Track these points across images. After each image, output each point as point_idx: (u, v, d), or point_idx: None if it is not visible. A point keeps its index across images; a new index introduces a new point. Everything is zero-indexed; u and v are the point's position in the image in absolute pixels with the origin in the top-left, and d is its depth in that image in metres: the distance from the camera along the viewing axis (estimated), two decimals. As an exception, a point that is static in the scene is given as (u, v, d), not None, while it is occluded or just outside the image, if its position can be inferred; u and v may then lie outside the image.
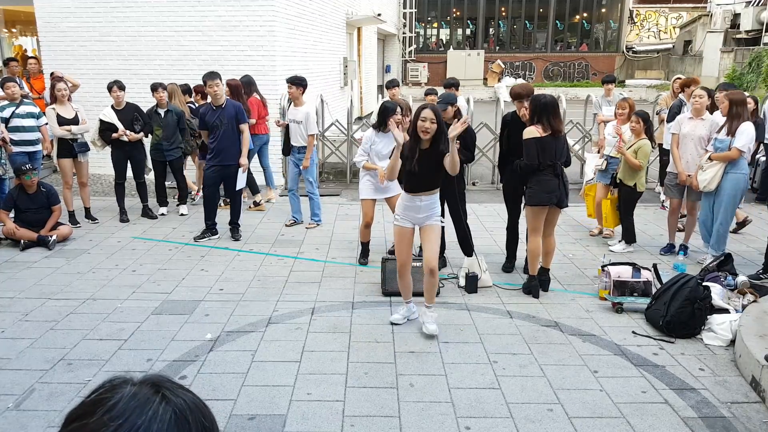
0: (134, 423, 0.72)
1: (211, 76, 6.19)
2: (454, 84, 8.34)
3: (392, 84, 8.56)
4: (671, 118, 7.51)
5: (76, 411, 0.76)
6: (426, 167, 4.11)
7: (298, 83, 6.72)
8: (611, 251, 6.12)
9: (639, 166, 5.96)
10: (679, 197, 6.06)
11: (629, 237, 6.18)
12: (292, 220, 7.15)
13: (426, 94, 8.15)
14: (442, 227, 4.58)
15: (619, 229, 6.67)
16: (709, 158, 5.51)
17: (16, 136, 6.70)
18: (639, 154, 5.95)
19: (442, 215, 5.57)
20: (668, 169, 6.24)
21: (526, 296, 5.04)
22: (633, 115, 6.13)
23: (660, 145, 7.92)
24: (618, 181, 6.14)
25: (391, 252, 5.88)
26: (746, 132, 5.35)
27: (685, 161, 5.89)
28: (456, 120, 5.35)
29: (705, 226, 5.74)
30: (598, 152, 7.50)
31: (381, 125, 5.53)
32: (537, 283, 5.06)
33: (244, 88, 7.49)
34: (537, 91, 5.30)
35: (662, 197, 7.82)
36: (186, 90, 7.95)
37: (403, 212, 4.32)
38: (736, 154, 5.36)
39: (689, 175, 5.78)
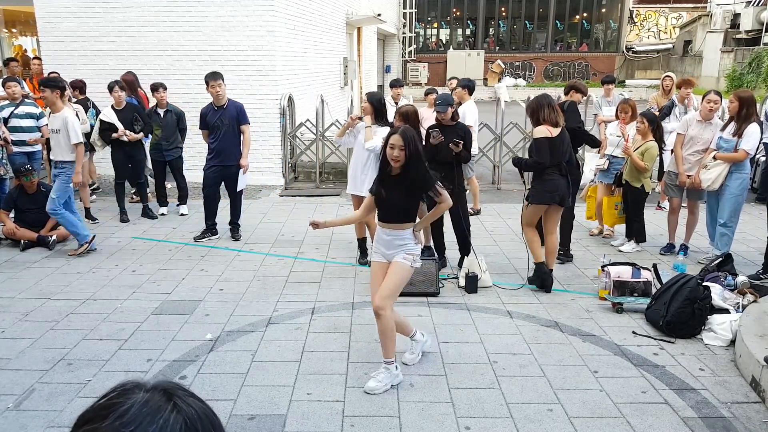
0: (145, 431, 0.72)
1: (214, 76, 6.19)
2: (468, 86, 7.47)
3: (396, 84, 8.59)
4: (662, 117, 7.49)
5: (87, 414, 0.77)
6: (396, 196, 3.55)
7: (52, 85, 5.78)
8: (621, 251, 6.11)
9: (645, 169, 5.93)
10: (680, 196, 6.06)
11: (640, 237, 6.18)
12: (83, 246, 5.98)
13: (426, 94, 8.15)
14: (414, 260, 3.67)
15: (618, 228, 6.68)
16: (714, 157, 5.51)
17: (15, 137, 6.70)
18: (646, 157, 5.91)
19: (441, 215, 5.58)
20: (668, 169, 6.24)
21: (526, 296, 5.04)
22: (639, 116, 6.12)
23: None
24: (624, 182, 6.13)
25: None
26: (754, 134, 5.36)
27: (688, 163, 5.89)
28: (453, 120, 5.40)
29: (712, 225, 5.76)
30: (599, 152, 7.49)
31: (378, 118, 5.45)
32: (547, 270, 5.11)
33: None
34: (537, 92, 5.33)
35: (660, 198, 7.83)
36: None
37: (375, 244, 3.74)
38: (744, 156, 5.36)
39: (689, 176, 5.78)
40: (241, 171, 6.37)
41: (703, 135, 5.81)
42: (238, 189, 6.50)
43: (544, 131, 4.93)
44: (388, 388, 3.55)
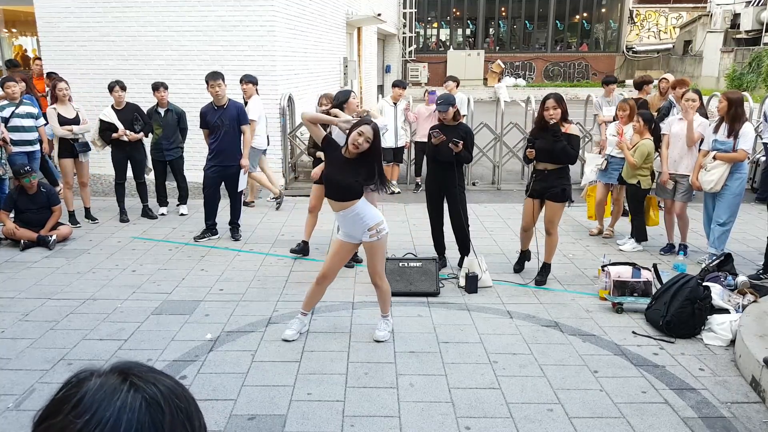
0: (102, 416, 0.67)
1: (214, 76, 6.19)
2: (252, 80, 7.92)
3: (396, 84, 8.67)
4: (660, 119, 7.50)
5: (44, 411, 0.72)
6: (344, 176, 3.91)
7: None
8: (621, 250, 6.12)
9: (633, 164, 5.99)
10: (671, 197, 6.07)
11: (640, 235, 6.18)
12: None
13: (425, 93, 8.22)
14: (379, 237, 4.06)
15: (618, 227, 6.69)
16: (714, 157, 5.50)
17: (15, 136, 6.70)
18: (636, 153, 5.98)
19: (441, 214, 5.60)
20: (657, 169, 6.27)
21: (526, 296, 5.04)
22: (636, 115, 6.18)
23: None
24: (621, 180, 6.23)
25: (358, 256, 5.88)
26: (750, 133, 5.39)
27: (673, 160, 5.98)
28: (455, 120, 5.40)
29: (709, 226, 5.76)
30: (600, 153, 7.50)
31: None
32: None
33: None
34: (537, 92, 5.35)
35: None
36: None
37: (341, 228, 4.14)
38: (744, 156, 5.38)
39: (670, 174, 5.89)
40: (241, 171, 6.38)
41: (683, 131, 5.88)
42: (239, 189, 6.49)
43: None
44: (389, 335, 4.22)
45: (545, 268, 5.37)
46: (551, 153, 4.99)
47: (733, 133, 5.38)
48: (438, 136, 5.20)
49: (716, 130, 5.55)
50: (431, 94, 9.18)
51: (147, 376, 0.73)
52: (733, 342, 4.09)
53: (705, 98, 7.76)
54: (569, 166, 5.14)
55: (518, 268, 5.59)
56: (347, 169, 3.90)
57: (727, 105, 5.42)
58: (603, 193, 6.67)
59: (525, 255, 5.61)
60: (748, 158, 5.65)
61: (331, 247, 4.24)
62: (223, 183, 6.47)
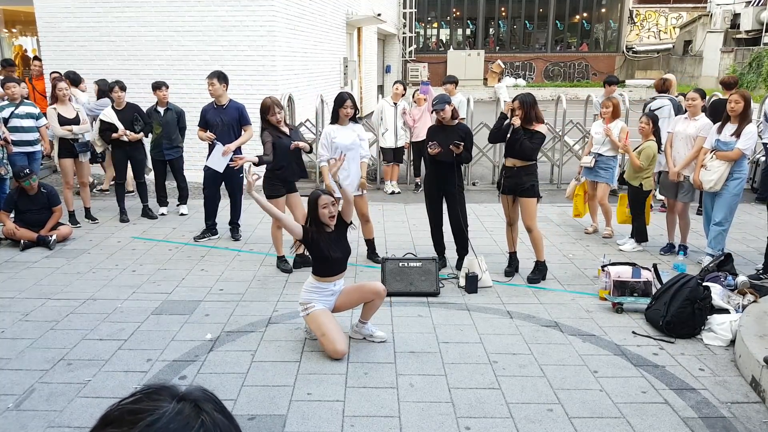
0: None
1: (210, 75, 6.22)
2: (73, 79, 8.11)
3: (398, 81, 8.74)
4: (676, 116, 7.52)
5: (113, 413, 0.76)
6: (339, 249, 4.05)
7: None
8: (621, 250, 6.12)
9: (639, 167, 6.00)
10: (673, 196, 6.07)
11: (640, 236, 6.19)
12: None
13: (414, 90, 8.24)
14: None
15: (616, 227, 6.69)
16: (713, 155, 5.50)
17: (15, 137, 6.69)
18: (641, 156, 5.98)
19: (440, 214, 5.61)
20: (662, 169, 6.27)
21: (526, 296, 5.04)
22: (643, 116, 6.19)
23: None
24: (624, 180, 6.24)
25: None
26: (753, 134, 5.37)
27: (674, 159, 5.99)
28: (453, 119, 5.40)
29: (708, 225, 5.77)
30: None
31: (334, 116, 5.56)
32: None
33: None
34: (538, 92, 5.37)
35: (658, 196, 7.84)
36: None
37: (318, 298, 4.05)
38: (738, 155, 5.36)
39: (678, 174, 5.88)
40: (221, 151, 6.10)
41: (687, 130, 5.91)
42: (208, 164, 6.19)
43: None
44: None
45: (538, 266, 5.38)
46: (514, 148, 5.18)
47: (737, 132, 5.37)
48: (435, 149, 5.19)
49: (720, 130, 5.52)
50: (424, 84, 9.24)
51: (216, 417, 0.79)
52: (733, 342, 4.09)
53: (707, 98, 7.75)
54: (536, 163, 5.31)
55: (509, 271, 5.50)
56: (336, 241, 4.07)
57: (745, 105, 5.39)
58: (593, 190, 6.70)
59: (514, 259, 5.56)
60: (748, 158, 5.64)
61: (321, 321, 3.95)
62: (223, 183, 6.47)
